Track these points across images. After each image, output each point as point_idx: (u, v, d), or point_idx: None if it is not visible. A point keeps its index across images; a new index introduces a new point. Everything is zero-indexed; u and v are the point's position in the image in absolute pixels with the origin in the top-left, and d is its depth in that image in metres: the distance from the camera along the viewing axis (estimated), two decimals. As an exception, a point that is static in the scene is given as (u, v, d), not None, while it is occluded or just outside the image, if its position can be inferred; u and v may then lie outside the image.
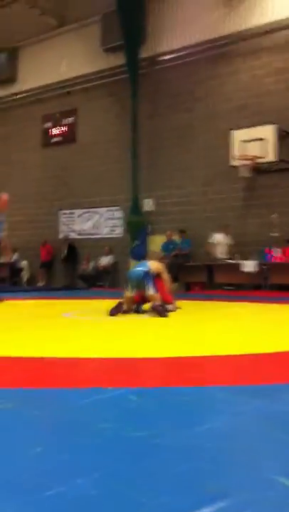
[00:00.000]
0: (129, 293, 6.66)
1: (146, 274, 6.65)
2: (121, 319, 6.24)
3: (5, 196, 8.78)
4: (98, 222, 15.71)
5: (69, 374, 3.08)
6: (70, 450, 1.79)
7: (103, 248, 15.14)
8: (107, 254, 14.99)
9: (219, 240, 12.27)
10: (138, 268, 6.98)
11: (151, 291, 6.56)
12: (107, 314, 6.37)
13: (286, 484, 1.48)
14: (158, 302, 6.52)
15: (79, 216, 16.14)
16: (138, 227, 14.30)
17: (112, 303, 6.69)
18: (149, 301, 6.68)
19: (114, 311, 6.40)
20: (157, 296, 6.62)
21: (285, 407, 2.36)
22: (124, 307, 6.57)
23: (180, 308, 7.19)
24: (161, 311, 6.33)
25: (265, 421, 2.14)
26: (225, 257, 12.17)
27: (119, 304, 6.53)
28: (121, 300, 6.64)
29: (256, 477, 1.54)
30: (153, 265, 7.04)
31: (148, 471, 1.59)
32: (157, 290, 6.70)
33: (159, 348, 4.13)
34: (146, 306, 6.81)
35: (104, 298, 9.27)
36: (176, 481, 1.51)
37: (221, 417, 2.17)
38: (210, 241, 12.33)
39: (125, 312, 6.58)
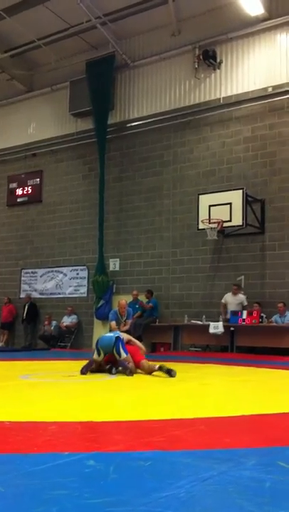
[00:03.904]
0: (97, 357, 6.88)
1: (118, 339, 6.86)
2: (82, 381, 6.07)
3: None
4: (62, 282, 15.54)
5: (26, 439, 2.92)
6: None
7: (66, 308, 14.94)
8: (69, 314, 14.76)
9: (229, 300, 12.17)
10: (109, 334, 7.26)
11: (123, 355, 6.77)
12: (78, 374, 6.54)
13: None
14: (131, 363, 6.76)
15: (42, 275, 15.97)
16: (103, 287, 14.22)
17: (72, 364, 6.66)
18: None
19: (84, 370, 6.66)
20: (129, 357, 6.83)
21: (251, 472, 2.27)
22: (94, 367, 6.85)
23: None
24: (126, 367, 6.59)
25: (230, 487, 2.04)
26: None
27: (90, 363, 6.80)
28: (91, 359, 6.91)
29: None
30: (123, 334, 7.35)
31: None
32: (129, 352, 6.91)
33: (120, 410, 3.99)
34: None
35: (64, 359, 9.03)
36: None
37: (183, 483, 2.06)
38: (222, 301, 12.22)
39: (93, 371, 6.81)
